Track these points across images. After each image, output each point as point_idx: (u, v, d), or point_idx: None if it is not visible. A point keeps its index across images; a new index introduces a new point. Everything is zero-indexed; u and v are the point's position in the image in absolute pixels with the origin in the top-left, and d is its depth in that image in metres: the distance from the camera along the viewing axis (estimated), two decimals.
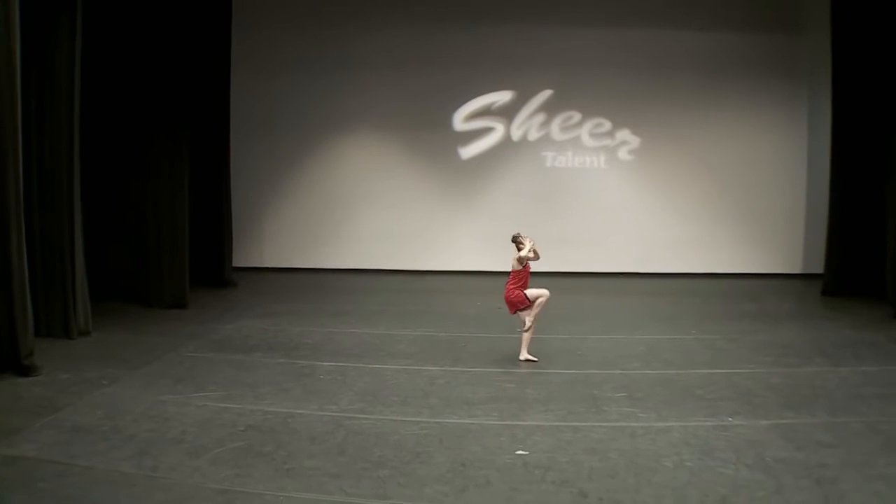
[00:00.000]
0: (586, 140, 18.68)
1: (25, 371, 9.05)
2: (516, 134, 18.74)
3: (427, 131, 18.65)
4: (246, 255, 18.21)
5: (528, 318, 10.03)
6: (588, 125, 18.65)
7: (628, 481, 6.22)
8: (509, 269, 10.14)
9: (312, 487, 6.07)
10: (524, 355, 10.05)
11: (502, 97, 18.68)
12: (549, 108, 18.64)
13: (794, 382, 9.11)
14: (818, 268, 16.60)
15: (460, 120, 18.74)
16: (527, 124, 18.69)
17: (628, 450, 6.89)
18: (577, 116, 18.63)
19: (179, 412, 7.79)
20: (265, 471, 6.36)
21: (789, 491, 6.00)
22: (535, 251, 10.03)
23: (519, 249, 10.04)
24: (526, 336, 10.09)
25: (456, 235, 18.59)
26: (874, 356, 10.46)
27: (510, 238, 10.23)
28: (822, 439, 7.12)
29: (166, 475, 6.25)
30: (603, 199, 18.55)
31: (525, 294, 9.95)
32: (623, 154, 18.70)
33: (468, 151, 18.80)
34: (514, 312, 10.13)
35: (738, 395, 8.60)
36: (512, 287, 9.99)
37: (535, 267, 10.18)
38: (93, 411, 7.79)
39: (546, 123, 18.66)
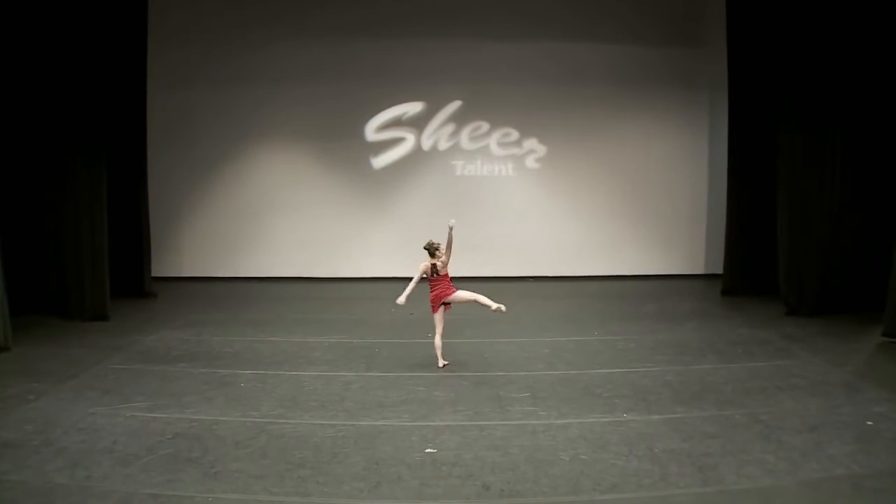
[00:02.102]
0: (495, 149, 18.97)
1: None
2: (427, 144, 18.93)
3: (340, 141, 18.74)
4: (164, 264, 18.08)
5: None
6: (496, 135, 18.95)
7: (528, 474, 6.76)
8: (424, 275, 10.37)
9: (239, 489, 6.46)
10: (443, 361, 10.37)
11: (413, 108, 18.85)
12: (459, 119, 18.87)
13: (686, 379, 9.66)
14: (719, 268, 17.06)
15: (372, 130, 18.88)
16: (437, 134, 18.91)
17: (529, 445, 7.41)
18: (485, 126, 18.91)
19: (109, 423, 7.99)
20: (194, 475, 6.70)
21: (673, 478, 6.65)
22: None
23: (433, 256, 10.33)
24: (439, 343, 10.39)
25: (369, 243, 18.76)
26: (764, 352, 11.11)
27: (426, 245, 10.50)
28: (708, 431, 7.76)
29: (100, 484, 6.50)
30: (511, 205, 18.85)
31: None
32: (530, 162, 19.02)
33: (380, 161, 18.94)
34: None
35: (635, 392, 9.14)
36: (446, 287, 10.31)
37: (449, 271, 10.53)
38: (21, 426, 7.88)
39: (455, 133, 18.90)
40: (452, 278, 10.50)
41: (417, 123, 18.96)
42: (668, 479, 6.64)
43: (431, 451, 7.30)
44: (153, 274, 16.86)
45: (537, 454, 7.20)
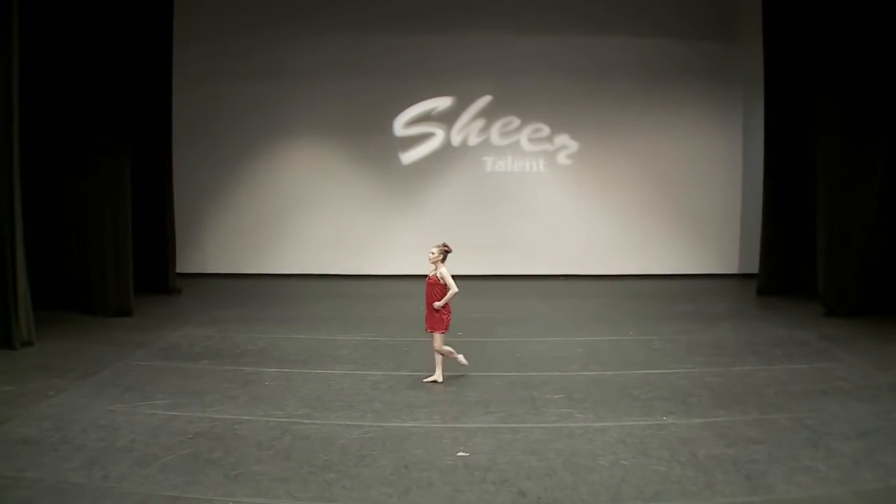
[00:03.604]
0: (525, 145, 18.76)
1: None
2: (456, 139, 18.76)
3: (368, 137, 18.62)
4: (189, 261, 18.03)
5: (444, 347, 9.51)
6: (527, 130, 18.73)
7: (566, 480, 6.44)
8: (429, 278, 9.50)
9: (261, 492, 6.21)
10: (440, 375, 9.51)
11: (442, 103, 18.70)
12: (489, 114, 18.69)
13: (726, 381, 9.36)
14: (753, 268, 16.80)
15: (401, 125, 18.74)
16: (466, 129, 18.73)
17: (566, 449, 7.10)
18: (516, 122, 18.72)
19: (128, 421, 7.81)
20: (214, 477, 6.46)
21: (719, 486, 6.30)
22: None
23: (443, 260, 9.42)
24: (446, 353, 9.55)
25: (397, 240, 18.55)
26: (804, 354, 10.76)
27: (445, 247, 9.48)
28: (752, 436, 7.41)
29: (117, 484, 6.30)
30: (542, 202, 18.64)
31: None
32: (562, 158, 18.80)
33: (409, 157, 18.81)
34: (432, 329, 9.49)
35: (673, 394, 8.83)
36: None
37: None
38: (39, 423, 7.74)
39: (485, 129, 18.72)
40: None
41: (447, 119, 18.81)
42: (714, 487, 6.29)
43: (463, 454, 7.02)
44: (178, 270, 16.78)
45: (575, 459, 6.89)
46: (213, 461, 6.81)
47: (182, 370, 9.92)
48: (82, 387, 9.12)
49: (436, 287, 9.41)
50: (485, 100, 18.73)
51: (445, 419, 8.04)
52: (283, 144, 18.85)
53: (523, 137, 18.81)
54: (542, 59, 18.40)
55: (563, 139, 18.82)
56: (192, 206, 18.18)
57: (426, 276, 9.55)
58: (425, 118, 18.79)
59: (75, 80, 13.48)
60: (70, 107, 13.56)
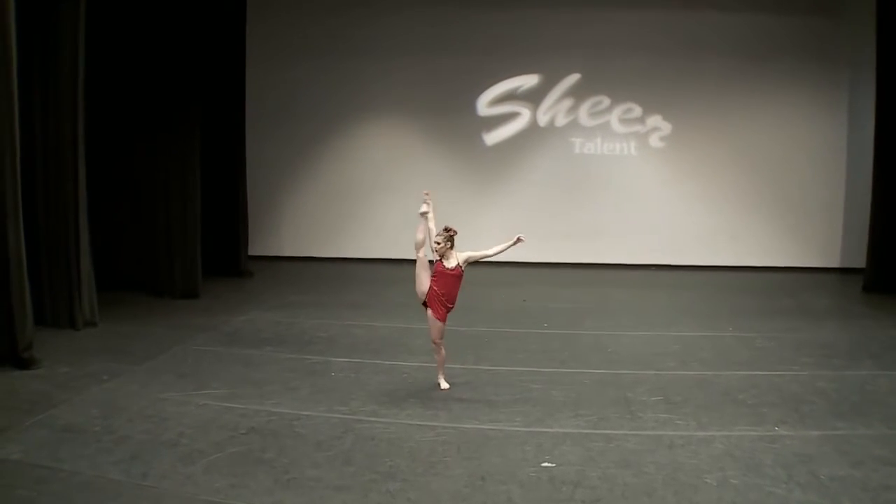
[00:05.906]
0: (616, 126, 18.09)
1: (24, 364, 8.76)
2: (543, 119, 18.20)
3: (450, 116, 18.20)
4: (263, 243, 17.85)
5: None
6: (617, 111, 18.06)
7: (667, 500, 5.59)
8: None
9: (314, 502, 5.53)
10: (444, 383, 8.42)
11: (528, 81, 18.14)
12: (577, 93, 18.08)
13: (842, 387, 8.43)
14: (857, 262, 16.04)
15: (484, 105, 18.25)
16: (554, 109, 18.14)
17: (667, 463, 6.25)
18: (605, 101, 18.05)
19: (178, 412, 7.35)
20: (264, 481, 5.83)
21: None
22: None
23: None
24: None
25: (480, 224, 17.81)
26: None
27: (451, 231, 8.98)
28: (882, 455, 6.43)
29: (156, 484, 5.78)
30: (633, 187, 17.98)
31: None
32: (654, 141, 18.09)
33: (493, 137, 18.31)
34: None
35: (783, 400, 7.95)
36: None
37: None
38: (88, 409, 7.40)
39: (574, 108, 18.10)
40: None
41: (533, 97, 18.26)
42: None
43: (548, 465, 6.21)
44: (253, 253, 16.65)
45: (678, 475, 6.00)
46: (264, 462, 6.18)
47: (243, 357, 9.45)
48: (137, 372, 8.74)
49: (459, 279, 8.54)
50: (573, 78, 18.07)
51: (528, 422, 7.27)
52: (362, 125, 18.50)
53: (614, 118, 18.12)
54: (633, 36, 17.68)
55: (655, 120, 18.07)
56: (269, 188, 18.06)
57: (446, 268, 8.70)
58: (510, 97, 18.23)
59: (145, 57, 13.32)
60: (139, 85, 13.39)
